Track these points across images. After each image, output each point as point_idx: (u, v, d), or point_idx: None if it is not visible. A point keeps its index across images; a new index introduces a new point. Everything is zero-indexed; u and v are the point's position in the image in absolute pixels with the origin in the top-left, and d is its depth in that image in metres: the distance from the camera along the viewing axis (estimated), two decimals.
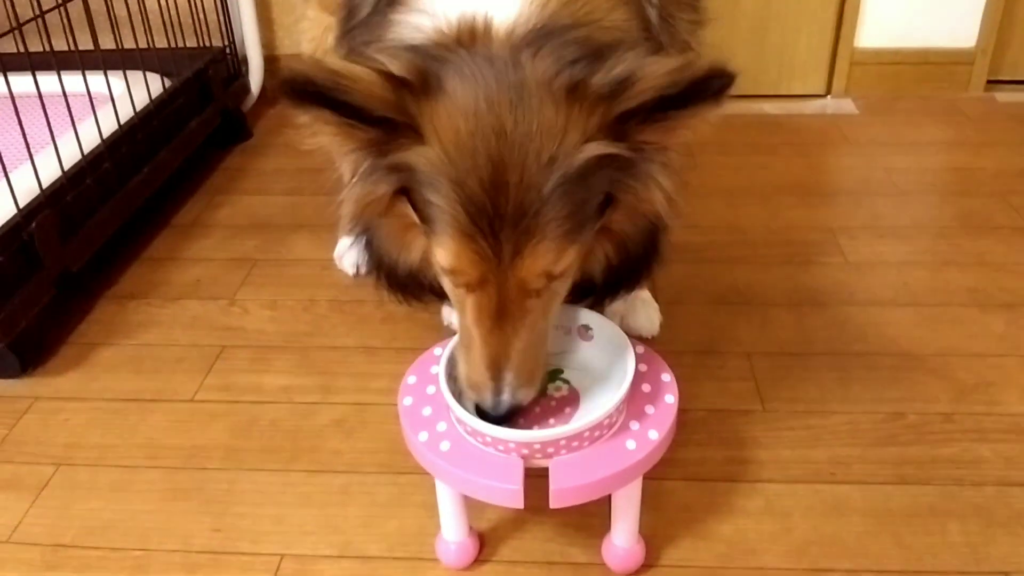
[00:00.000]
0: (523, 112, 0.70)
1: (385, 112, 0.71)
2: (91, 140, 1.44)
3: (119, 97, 1.55)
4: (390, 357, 1.25)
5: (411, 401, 0.88)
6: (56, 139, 1.34)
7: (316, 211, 1.67)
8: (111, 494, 1.05)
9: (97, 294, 1.44)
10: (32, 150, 1.28)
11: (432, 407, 0.87)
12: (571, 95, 0.70)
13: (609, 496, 0.87)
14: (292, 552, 0.96)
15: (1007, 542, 0.94)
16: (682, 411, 0.97)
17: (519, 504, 0.79)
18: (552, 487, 0.79)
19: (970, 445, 1.07)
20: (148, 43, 1.69)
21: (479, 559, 0.94)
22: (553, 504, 0.79)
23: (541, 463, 0.81)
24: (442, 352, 0.89)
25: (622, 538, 0.91)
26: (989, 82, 2.15)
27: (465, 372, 0.83)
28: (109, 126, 1.50)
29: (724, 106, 0.70)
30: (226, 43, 2.02)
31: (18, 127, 1.25)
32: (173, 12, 1.82)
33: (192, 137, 1.77)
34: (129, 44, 1.63)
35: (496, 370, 0.80)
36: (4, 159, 1.23)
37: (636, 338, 0.96)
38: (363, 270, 1.46)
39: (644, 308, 1.27)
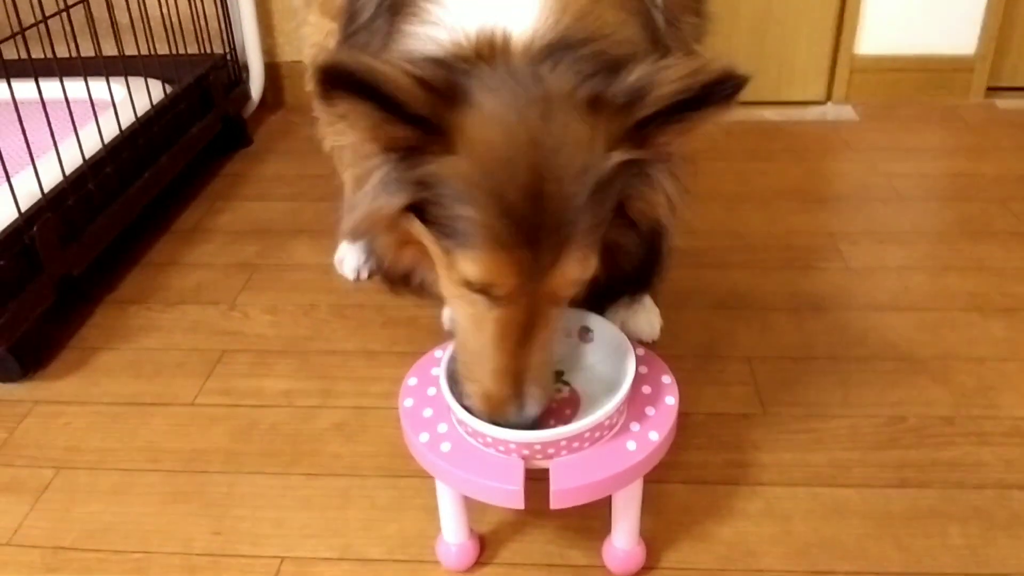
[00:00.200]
0: (552, 123, 0.71)
1: (423, 112, 0.69)
2: (93, 145, 1.45)
3: (121, 103, 1.56)
4: (390, 361, 1.25)
5: (412, 403, 0.89)
6: (58, 144, 1.35)
7: (316, 217, 1.67)
8: (111, 497, 1.05)
9: (98, 298, 1.45)
10: (34, 155, 1.29)
11: (433, 409, 0.87)
12: (593, 106, 0.71)
13: (609, 498, 0.87)
14: (292, 555, 0.96)
15: (1007, 544, 0.94)
16: (682, 415, 0.97)
17: (519, 505, 0.79)
18: (552, 488, 0.79)
19: (970, 448, 1.07)
20: (150, 50, 1.70)
21: (479, 561, 0.94)
22: (553, 505, 0.79)
23: (542, 464, 0.81)
24: (443, 354, 0.89)
25: (622, 540, 0.90)
26: (989, 89, 2.15)
27: (483, 389, 0.81)
28: (111, 132, 1.50)
29: (735, 108, 0.71)
30: (227, 50, 2.03)
31: (20, 132, 1.26)
32: (175, 19, 1.83)
33: (193, 143, 1.77)
34: (131, 50, 1.64)
35: (520, 384, 0.79)
36: (6, 163, 1.24)
37: (637, 342, 0.96)
38: (364, 274, 1.47)
39: (645, 312, 1.27)
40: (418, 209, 0.76)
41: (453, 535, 0.92)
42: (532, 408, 0.80)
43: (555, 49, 0.73)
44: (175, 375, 1.26)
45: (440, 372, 0.86)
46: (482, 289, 0.76)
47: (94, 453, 1.12)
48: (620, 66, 0.73)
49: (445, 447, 0.83)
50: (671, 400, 0.87)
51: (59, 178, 1.35)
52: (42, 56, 1.37)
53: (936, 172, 1.82)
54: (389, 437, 1.11)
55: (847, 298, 1.38)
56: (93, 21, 1.48)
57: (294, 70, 2.19)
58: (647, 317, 1.26)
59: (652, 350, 0.94)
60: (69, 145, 1.39)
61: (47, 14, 1.37)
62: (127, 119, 1.56)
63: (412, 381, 0.92)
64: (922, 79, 2.14)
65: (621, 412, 0.84)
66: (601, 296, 0.95)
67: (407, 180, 0.74)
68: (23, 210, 1.26)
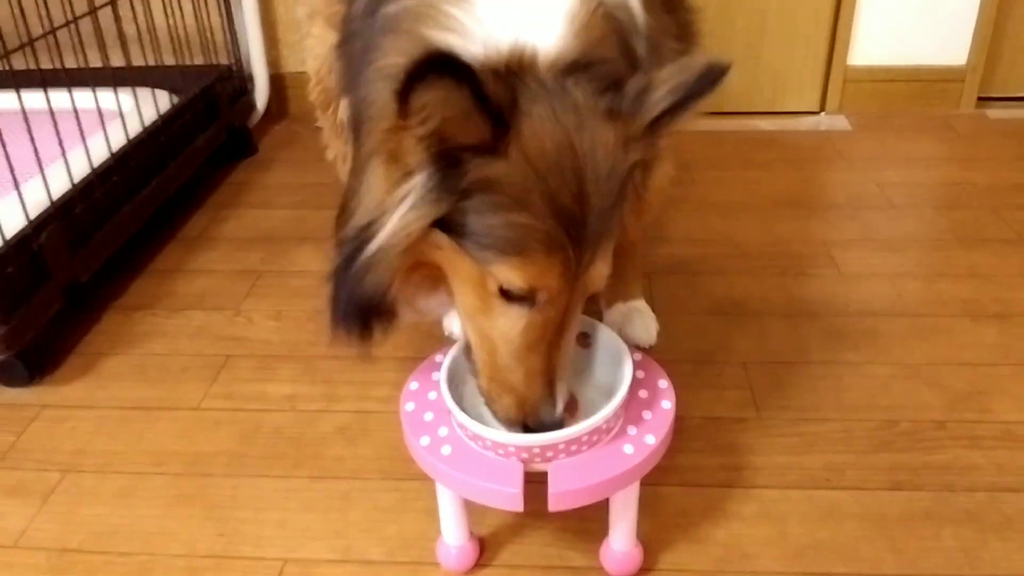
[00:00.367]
0: (585, 130, 0.75)
1: (501, 105, 0.70)
2: (100, 154, 1.47)
3: (128, 113, 1.58)
4: (392, 366, 1.27)
5: (413, 406, 0.90)
6: (66, 153, 1.37)
7: (320, 224, 1.69)
8: (117, 500, 1.07)
9: (104, 305, 1.47)
10: (43, 163, 1.31)
11: (433, 412, 0.89)
12: (610, 116, 0.76)
13: (607, 500, 0.89)
14: (294, 556, 0.98)
15: (999, 547, 0.96)
16: (679, 419, 0.99)
17: (519, 507, 0.81)
18: (551, 490, 0.80)
19: (962, 452, 1.09)
20: (156, 61, 1.73)
21: (479, 563, 0.96)
22: (552, 507, 0.81)
23: (540, 467, 0.83)
24: (443, 359, 0.91)
25: (620, 542, 0.92)
26: (980, 99, 2.18)
27: (518, 396, 0.82)
28: (118, 141, 1.52)
29: (722, 90, 0.77)
30: (232, 61, 2.06)
31: (29, 141, 1.28)
32: (181, 31, 1.86)
33: (199, 152, 1.80)
34: (138, 61, 1.67)
35: (553, 383, 0.82)
36: (15, 172, 1.26)
37: (634, 347, 0.98)
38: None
39: (641, 318, 1.29)
40: (444, 223, 0.77)
41: (453, 537, 0.94)
42: (561, 405, 0.84)
43: (575, 68, 0.77)
44: (180, 380, 1.28)
45: (441, 376, 0.88)
46: (525, 295, 0.78)
47: (100, 457, 1.14)
48: (621, 84, 0.78)
49: (445, 450, 0.85)
50: (667, 404, 0.89)
51: (67, 186, 1.37)
52: (51, 67, 1.39)
53: (928, 181, 1.85)
54: (390, 440, 1.13)
55: (841, 304, 1.41)
56: (101, 32, 1.51)
57: (298, 81, 2.21)
58: (643, 323, 1.28)
59: (649, 355, 0.96)
60: (77, 154, 1.41)
61: (55, 25, 1.40)
62: (134, 129, 1.58)
63: (413, 385, 0.94)
64: (914, 89, 2.17)
65: (618, 416, 0.86)
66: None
67: (450, 189, 0.74)
68: (31, 218, 1.28)
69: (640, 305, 1.31)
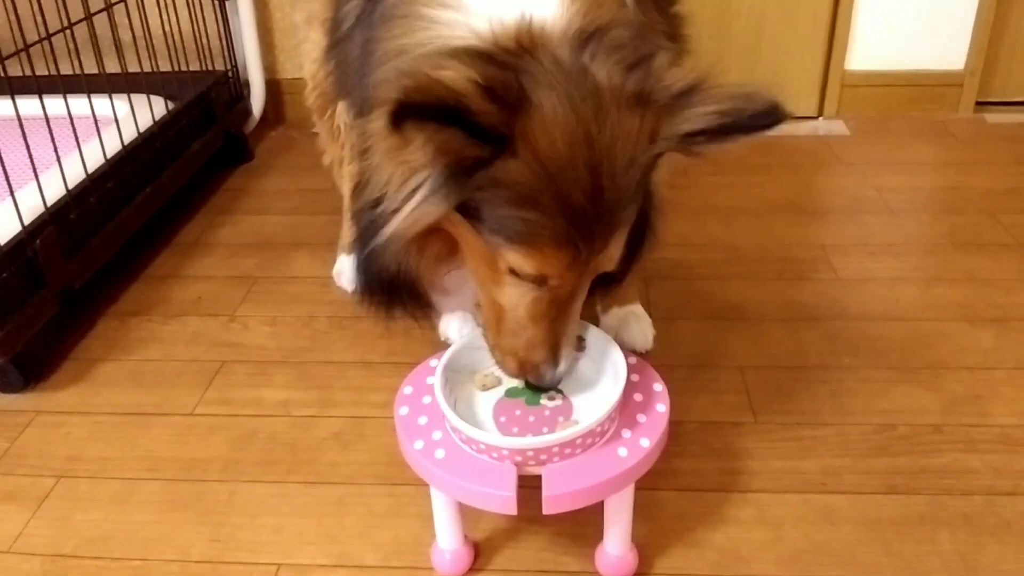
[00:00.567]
0: (605, 119, 0.73)
1: (496, 125, 0.69)
2: (95, 160, 1.47)
3: (123, 119, 1.58)
4: (387, 371, 1.27)
5: (407, 411, 0.90)
6: (61, 159, 1.37)
7: (316, 230, 1.69)
8: (111, 505, 1.06)
9: (99, 311, 1.46)
10: (37, 170, 1.31)
11: (427, 416, 0.89)
12: (638, 100, 0.74)
13: (602, 504, 0.89)
14: (289, 562, 0.98)
15: (996, 550, 0.96)
16: (675, 423, 0.99)
17: (512, 510, 0.81)
18: (545, 493, 0.80)
19: (959, 455, 1.09)
20: (152, 67, 1.73)
21: (474, 568, 0.95)
22: (546, 510, 0.80)
23: (534, 470, 0.82)
24: (437, 363, 0.91)
25: (615, 546, 0.92)
26: (978, 103, 2.18)
27: (520, 357, 0.85)
28: (113, 147, 1.52)
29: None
30: (228, 67, 2.06)
31: (24, 147, 1.28)
32: (177, 36, 1.86)
33: (195, 158, 1.80)
34: (134, 67, 1.67)
35: (557, 348, 0.84)
36: (10, 178, 1.26)
37: (630, 351, 0.98)
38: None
39: (638, 323, 1.29)
40: (462, 206, 0.76)
41: (448, 541, 0.93)
42: (563, 366, 0.86)
43: (585, 37, 0.75)
44: (175, 385, 1.28)
45: (435, 380, 0.88)
46: (534, 279, 0.79)
47: (94, 462, 1.13)
48: (643, 58, 0.76)
49: (439, 454, 0.84)
50: (662, 407, 0.89)
51: (62, 192, 1.37)
52: (46, 73, 1.39)
53: (926, 185, 1.85)
54: (386, 446, 1.13)
55: (838, 308, 1.40)
56: (96, 38, 1.51)
57: (295, 87, 2.22)
58: (640, 328, 1.28)
59: (644, 359, 0.96)
60: (72, 160, 1.41)
61: (51, 31, 1.40)
62: (130, 135, 1.58)
63: (407, 390, 0.93)
64: (912, 94, 2.17)
65: (613, 419, 0.86)
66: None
67: (461, 186, 0.74)
68: (26, 223, 1.28)
69: (637, 310, 1.30)
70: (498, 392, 0.92)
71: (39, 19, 1.37)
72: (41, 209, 1.32)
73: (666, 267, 1.52)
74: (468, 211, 0.77)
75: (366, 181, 0.83)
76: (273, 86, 2.24)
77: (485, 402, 0.91)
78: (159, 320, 1.44)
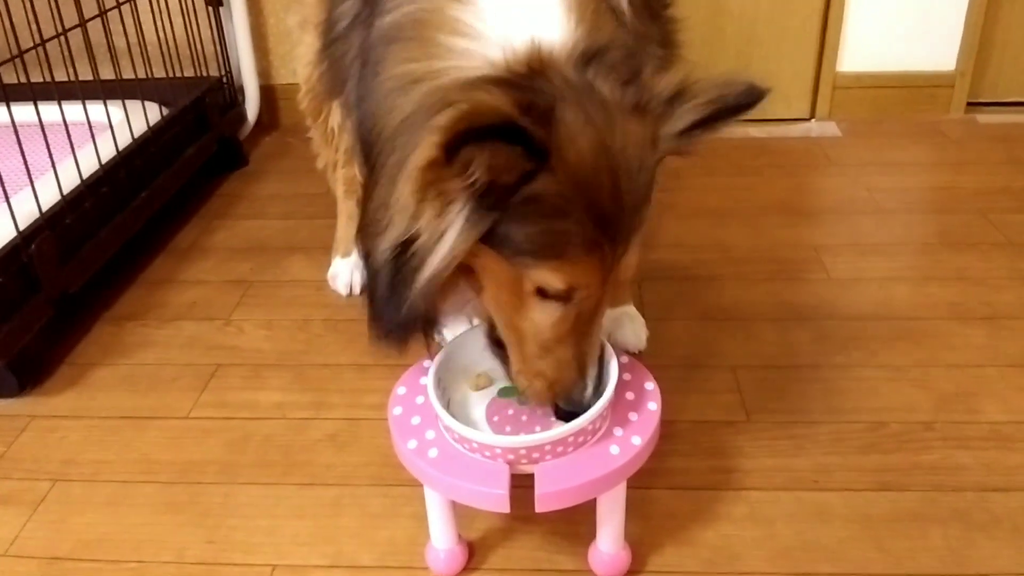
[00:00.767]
0: (616, 127, 0.76)
1: (540, 140, 0.71)
2: (90, 166, 1.48)
3: (118, 125, 1.59)
4: (382, 373, 1.27)
5: (400, 411, 0.91)
6: (56, 165, 1.38)
7: (310, 234, 1.70)
8: (107, 508, 1.07)
9: (95, 315, 1.47)
10: (32, 175, 1.32)
11: (421, 416, 0.89)
12: (637, 110, 0.77)
13: (595, 503, 0.89)
14: (285, 562, 0.98)
15: (986, 546, 0.96)
16: (668, 423, 0.99)
17: (505, 508, 0.81)
18: (537, 491, 0.81)
19: (950, 452, 1.10)
20: (147, 73, 1.74)
21: (468, 567, 0.96)
22: (539, 508, 0.81)
23: (527, 469, 0.83)
24: (431, 364, 0.92)
25: (607, 543, 0.92)
26: (969, 104, 2.19)
27: (548, 380, 0.85)
28: (108, 153, 1.53)
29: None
30: (223, 73, 2.07)
31: (20, 154, 1.29)
32: (171, 43, 1.87)
33: (189, 164, 1.81)
34: (128, 74, 1.68)
35: (584, 368, 0.85)
36: (5, 184, 1.27)
37: (623, 351, 0.99)
38: (356, 289, 1.49)
39: (631, 323, 1.29)
40: (485, 235, 0.77)
41: (442, 541, 0.94)
42: (591, 387, 0.85)
43: (590, 56, 0.78)
44: (170, 389, 1.28)
45: (428, 380, 0.88)
46: (562, 294, 0.80)
47: (90, 466, 1.14)
48: (635, 74, 0.80)
49: (432, 453, 0.85)
50: (653, 406, 0.90)
51: (57, 197, 1.38)
52: (41, 80, 1.40)
53: (918, 186, 1.86)
54: (380, 447, 1.13)
55: (830, 308, 1.41)
56: (91, 45, 1.52)
57: (289, 92, 2.22)
58: (633, 328, 1.29)
59: (636, 358, 0.97)
60: (67, 166, 1.42)
61: (45, 38, 1.40)
62: (124, 140, 1.59)
63: (401, 390, 0.94)
64: (903, 95, 2.19)
65: (604, 417, 0.86)
66: None
67: (493, 210, 0.75)
68: (21, 229, 1.28)
69: (630, 310, 1.31)
70: (491, 392, 0.93)
71: (34, 26, 1.38)
72: (36, 214, 1.32)
73: (659, 268, 1.53)
74: (492, 238, 0.77)
75: (385, 222, 0.80)
76: (267, 91, 2.25)
77: (478, 402, 0.91)
78: (154, 324, 1.44)
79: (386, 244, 0.80)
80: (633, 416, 0.88)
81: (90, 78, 1.56)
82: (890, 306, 1.41)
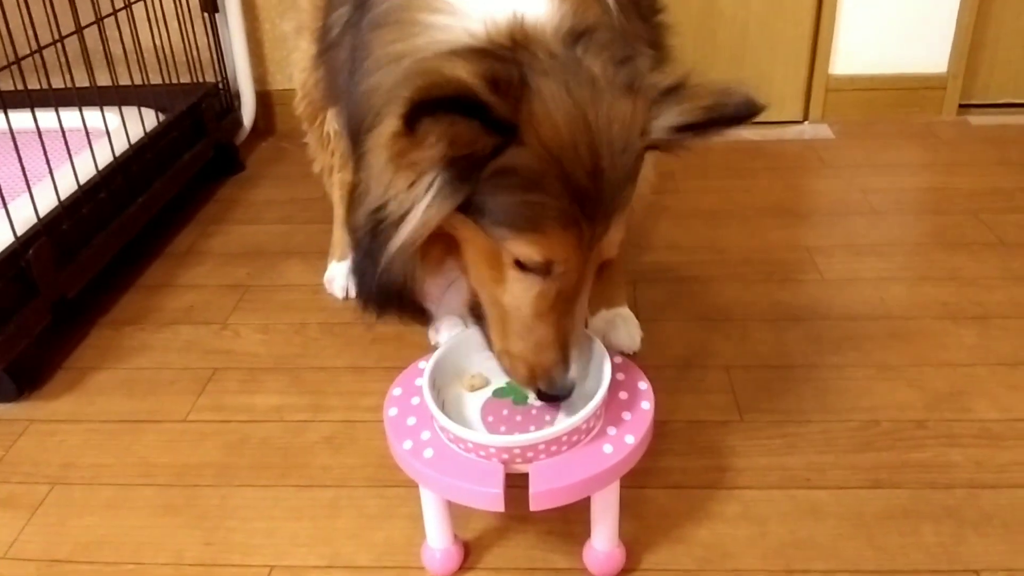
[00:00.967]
0: (601, 103, 0.75)
1: (505, 114, 0.71)
2: (87, 172, 1.48)
3: (115, 131, 1.59)
4: (378, 376, 1.28)
5: (396, 411, 0.91)
6: (53, 171, 1.39)
7: (306, 238, 1.71)
8: (105, 511, 1.07)
9: (92, 320, 1.48)
10: (30, 182, 1.32)
11: (416, 417, 0.90)
12: (629, 90, 0.77)
13: (589, 502, 0.90)
14: (282, 563, 0.99)
15: (978, 542, 0.97)
16: (662, 422, 1.00)
17: (500, 507, 0.82)
18: (532, 490, 0.81)
19: (942, 450, 1.11)
20: (143, 79, 1.75)
21: (464, 566, 0.97)
22: (533, 507, 0.82)
23: (521, 468, 0.84)
24: (426, 365, 0.92)
25: (602, 542, 0.93)
26: (961, 106, 2.21)
27: (530, 361, 0.84)
28: (105, 159, 1.54)
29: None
30: (219, 79, 2.08)
31: (17, 160, 1.30)
32: (167, 49, 1.88)
33: (186, 169, 1.81)
34: (125, 80, 1.69)
35: (566, 349, 0.84)
36: (3, 190, 1.27)
37: (617, 352, 1.00)
38: (351, 293, 1.50)
39: (625, 325, 1.30)
40: (463, 205, 0.78)
41: (437, 541, 0.95)
42: (575, 371, 0.85)
43: (576, 34, 0.78)
44: (168, 393, 1.29)
45: (423, 381, 0.89)
46: (541, 268, 0.80)
47: (88, 469, 1.14)
48: (629, 57, 0.80)
49: (428, 453, 0.86)
50: (647, 405, 0.91)
51: (54, 203, 1.38)
52: (38, 87, 1.41)
53: (911, 187, 1.87)
54: (377, 449, 1.14)
55: (824, 309, 1.42)
56: (87, 52, 1.53)
57: (285, 98, 2.23)
58: (627, 329, 1.30)
59: (630, 359, 0.97)
60: (64, 172, 1.43)
61: (42, 45, 1.41)
62: (121, 146, 1.59)
63: (397, 391, 0.95)
64: (896, 97, 2.20)
65: (598, 417, 0.87)
66: None
67: (468, 181, 0.75)
68: (19, 234, 1.29)
69: (624, 312, 1.32)
70: (486, 392, 0.93)
71: (30, 33, 1.39)
72: (34, 220, 1.33)
73: (653, 270, 1.54)
74: (470, 208, 0.78)
75: (364, 191, 0.83)
76: (263, 97, 2.26)
77: (473, 402, 0.92)
78: (152, 329, 1.45)
79: (364, 211, 0.82)
80: (627, 415, 0.89)
81: (87, 85, 1.57)
82: (883, 306, 1.42)
